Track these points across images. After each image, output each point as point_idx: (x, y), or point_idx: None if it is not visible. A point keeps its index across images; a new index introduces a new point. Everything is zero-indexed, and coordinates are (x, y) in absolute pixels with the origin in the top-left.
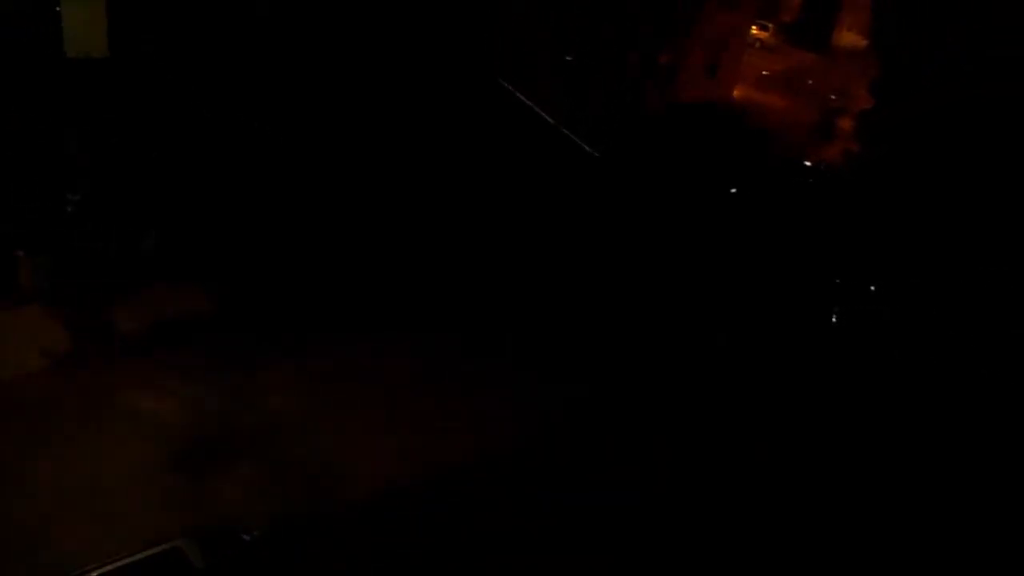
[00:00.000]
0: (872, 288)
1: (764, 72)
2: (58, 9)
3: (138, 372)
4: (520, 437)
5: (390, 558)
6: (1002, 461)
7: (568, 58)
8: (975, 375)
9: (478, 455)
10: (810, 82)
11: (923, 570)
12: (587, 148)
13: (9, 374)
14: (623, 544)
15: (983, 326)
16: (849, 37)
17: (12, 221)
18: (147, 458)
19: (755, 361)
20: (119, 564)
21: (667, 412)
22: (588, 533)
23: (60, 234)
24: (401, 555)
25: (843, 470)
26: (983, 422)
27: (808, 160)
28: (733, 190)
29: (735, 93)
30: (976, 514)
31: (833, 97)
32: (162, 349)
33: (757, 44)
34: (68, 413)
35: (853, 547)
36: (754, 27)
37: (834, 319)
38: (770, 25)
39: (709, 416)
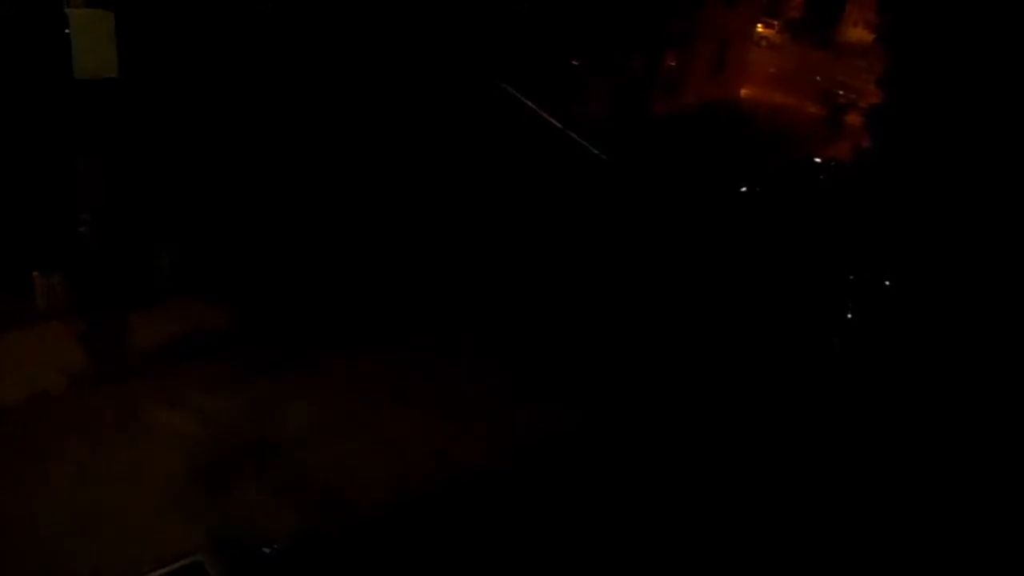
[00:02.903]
0: (887, 283)
1: (771, 70)
2: (67, 32)
3: (156, 388)
4: (523, 441)
5: (411, 570)
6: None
7: (575, 62)
8: (992, 370)
9: (494, 458)
10: (817, 78)
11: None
12: (596, 152)
13: (27, 393)
14: (625, 550)
15: (1000, 321)
16: (855, 32)
17: (27, 241)
18: (167, 473)
19: (769, 359)
20: None
21: (678, 409)
22: (599, 537)
23: (75, 253)
24: (422, 567)
25: (859, 469)
26: (1001, 417)
27: (818, 156)
28: (743, 189)
29: (742, 91)
30: (991, 516)
31: (841, 93)
32: (180, 364)
33: (763, 42)
34: (87, 430)
35: (865, 549)
36: (760, 25)
37: (849, 315)
38: (776, 23)
39: (723, 413)
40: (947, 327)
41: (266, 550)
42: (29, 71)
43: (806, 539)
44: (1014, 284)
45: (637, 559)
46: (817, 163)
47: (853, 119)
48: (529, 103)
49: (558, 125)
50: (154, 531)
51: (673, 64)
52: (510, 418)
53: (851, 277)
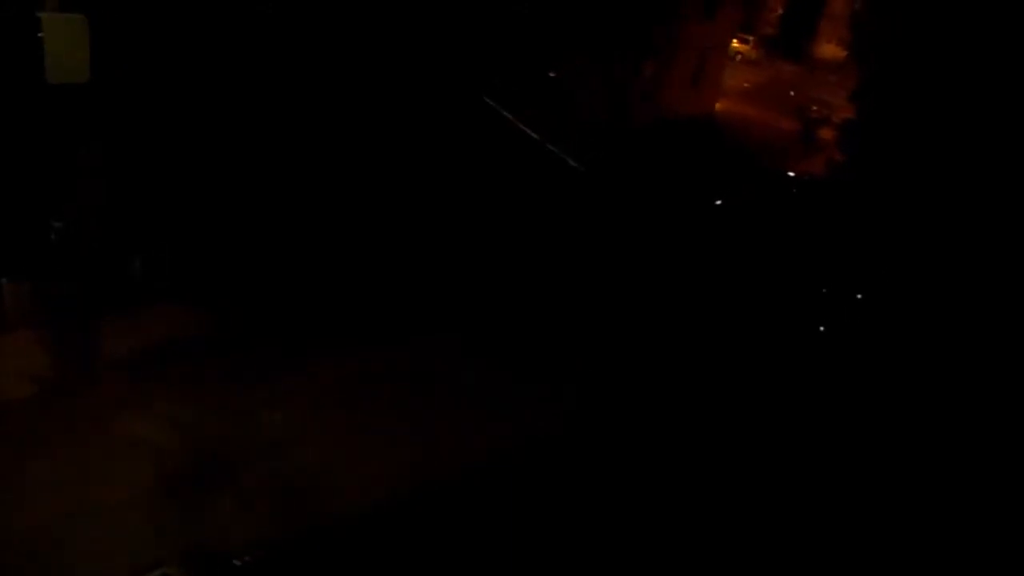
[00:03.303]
0: (859, 297)
1: (746, 84)
2: (40, 35)
3: (128, 396)
4: (520, 448)
5: None
6: (994, 466)
7: (552, 74)
8: (965, 380)
9: (478, 467)
10: (791, 93)
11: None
12: (572, 163)
13: None
14: (623, 556)
15: (972, 333)
16: (829, 48)
17: None
18: (138, 483)
19: (744, 371)
20: None
21: (660, 423)
22: (589, 545)
23: (46, 259)
24: None
25: (836, 482)
26: (973, 425)
27: (791, 170)
28: (718, 202)
29: (717, 106)
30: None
31: (814, 108)
32: (152, 372)
33: (738, 57)
34: (57, 439)
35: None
36: (735, 40)
37: (821, 328)
38: (751, 38)
39: (702, 426)
40: (918, 339)
41: (237, 562)
42: (0, 76)
43: (773, 536)
44: (986, 295)
45: (631, 556)
46: (790, 177)
47: (826, 133)
48: (508, 115)
49: (535, 136)
50: (124, 543)
51: (652, 77)
52: (509, 418)
53: (823, 290)
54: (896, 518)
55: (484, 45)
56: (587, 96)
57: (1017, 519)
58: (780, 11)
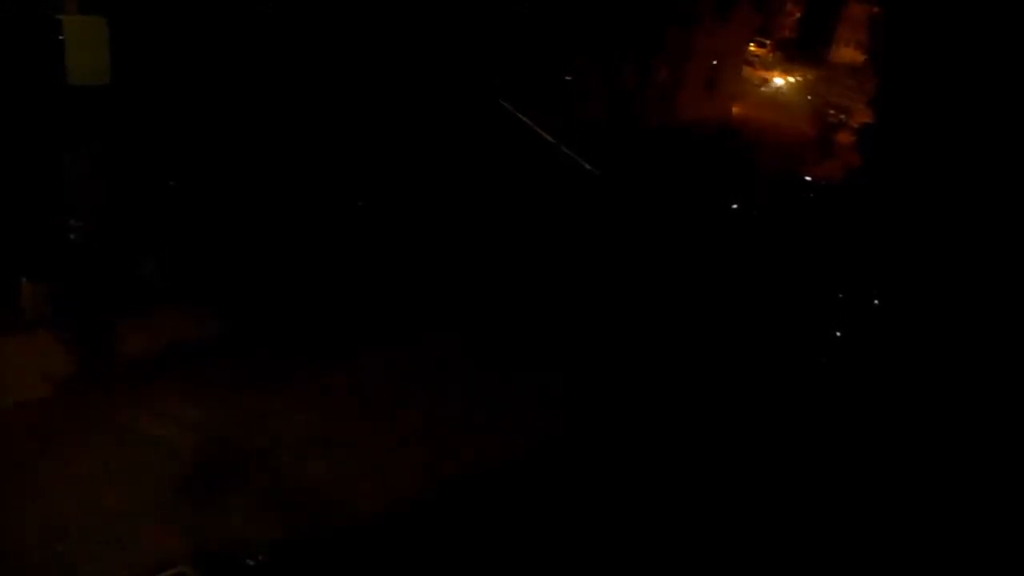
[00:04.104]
0: (876, 302)
1: (763, 88)
2: (61, 38)
3: (143, 396)
4: (528, 450)
5: None
6: (1006, 478)
7: (567, 77)
8: (984, 386)
9: (488, 470)
10: (808, 97)
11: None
12: (587, 166)
13: (12, 400)
14: (628, 559)
15: (992, 339)
16: (847, 52)
17: (15, 248)
18: (151, 483)
19: (759, 377)
20: None
21: (668, 428)
22: (595, 547)
23: (64, 260)
24: None
25: (838, 481)
26: (992, 431)
27: (808, 175)
28: (734, 206)
29: (734, 110)
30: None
31: (831, 112)
32: (167, 372)
33: (756, 61)
34: (72, 438)
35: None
36: (752, 44)
37: (837, 333)
38: (768, 42)
39: (712, 434)
40: (936, 345)
41: (250, 562)
42: (23, 78)
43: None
44: (1003, 303)
45: (632, 556)
46: (807, 182)
47: (844, 138)
48: (524, 118)
49: (551, 140)
50: (137, 542)
51: (666, 80)
52: (509, 418)
53: (840, 295)
54: (913, 526)
55: (484, 45)
56: (593, 99)
57: None
58: (797, 15)
